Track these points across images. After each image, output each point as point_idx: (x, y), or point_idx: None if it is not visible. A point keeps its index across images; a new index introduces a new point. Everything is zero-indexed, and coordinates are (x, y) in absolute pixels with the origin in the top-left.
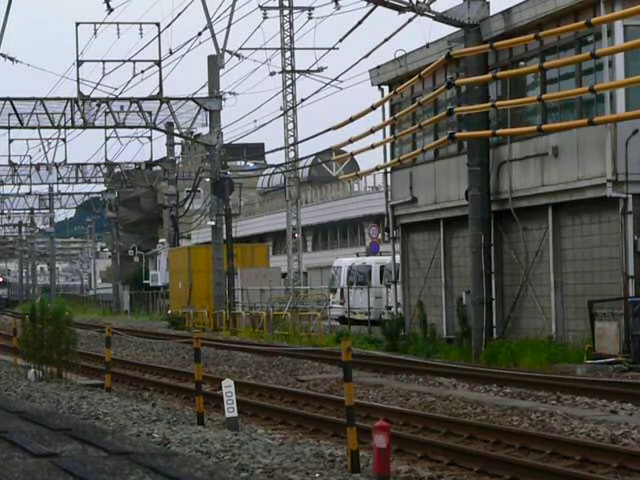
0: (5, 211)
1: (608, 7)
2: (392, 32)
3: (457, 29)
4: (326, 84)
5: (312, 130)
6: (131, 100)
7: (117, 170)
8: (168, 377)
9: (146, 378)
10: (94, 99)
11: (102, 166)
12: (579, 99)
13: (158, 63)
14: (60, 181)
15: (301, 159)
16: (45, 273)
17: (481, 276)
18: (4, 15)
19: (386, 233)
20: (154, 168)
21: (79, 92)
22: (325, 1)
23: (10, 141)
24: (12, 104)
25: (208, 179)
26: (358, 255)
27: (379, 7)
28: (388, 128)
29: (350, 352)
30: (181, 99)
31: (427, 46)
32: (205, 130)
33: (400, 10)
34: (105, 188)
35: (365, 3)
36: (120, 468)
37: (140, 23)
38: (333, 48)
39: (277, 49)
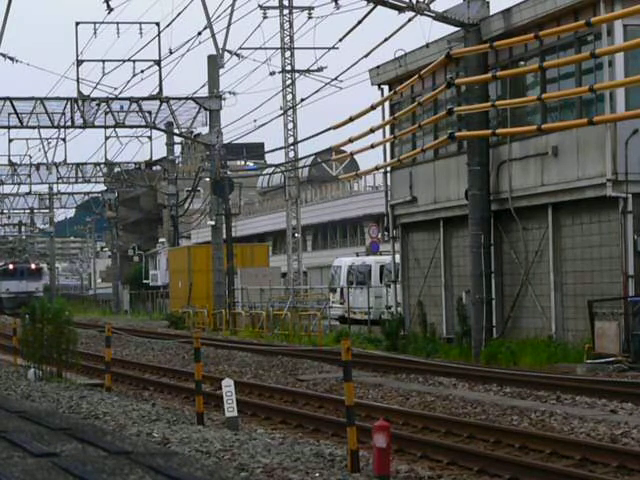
0: (5, 211)
1: (608, 7)
2: (392, 32)
3: (457, 29)
4: (326, 84)
5: (312, 130)
6: (131, 100)
7: (117, 170)
8: (168, 377)
9: (146, 378)
10: (94, 99)
11: (102, 166)
12: (579, 99)
13: (158, 63)
14: (60, 181)
15: (301, 159)
16: (45, 273)
17: (481, 276)
18: (4, 15)
19: (386, 233)
20: (154, 168)
21: (79, 92)
22: (325, 1)
23: (10, 141)
24: (12, 104)
25: (208, 179)
26: (358, 255)
27: (379, 7)
28: (388, 128)
29: (350, 352)
30: (181, 99)
31: (427, 46)
32: (205, 130)
33: (400, 10)
34: (105, 188)
35: (365, 3)
36: (120, 468)
37: (140, 23)
38: (333, 48)
39: (277, 49)
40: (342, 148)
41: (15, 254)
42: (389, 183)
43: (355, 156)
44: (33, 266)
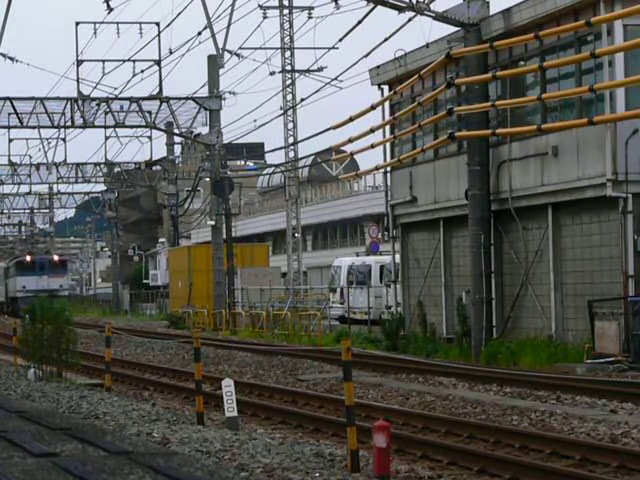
0: (5, 211)
1: (608, 6)
2: (392, 32)
3: (457, 29)
4: (326, 84)
5: (312, 130)
6: (131, 100)
7: (117, 170)
8: (168, 377)
9: (146, 378)
10: (94, 99)
11: (102, 166)
12: (579, 99)
13: (158, 63)
14: (60, 181)
15: (301, 159)
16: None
17: (481, 276)
18: (4, 15)
19: (386, 233)
20: (154, 168)
21: (79, 92)
22: (325, 1)
23: (10, 141)
24: (12, 104)
25: (208, 179)
26: (358, 255)
27: (379, 7)
28: (388, 128)
29: (350, 352)
30: (181, 99)
31: (427, 46)
32: (205, 130)
33: (400, 10)
34: (105, 188)
35: (365, 3)
36: (120, 468)
37: (140, 23)
38: (333, 48)
39: (277, 49)
40: (342, 148)
41: (32, 244)
42: (389, 183)
43: (355, 156)
44: (56, 258)
